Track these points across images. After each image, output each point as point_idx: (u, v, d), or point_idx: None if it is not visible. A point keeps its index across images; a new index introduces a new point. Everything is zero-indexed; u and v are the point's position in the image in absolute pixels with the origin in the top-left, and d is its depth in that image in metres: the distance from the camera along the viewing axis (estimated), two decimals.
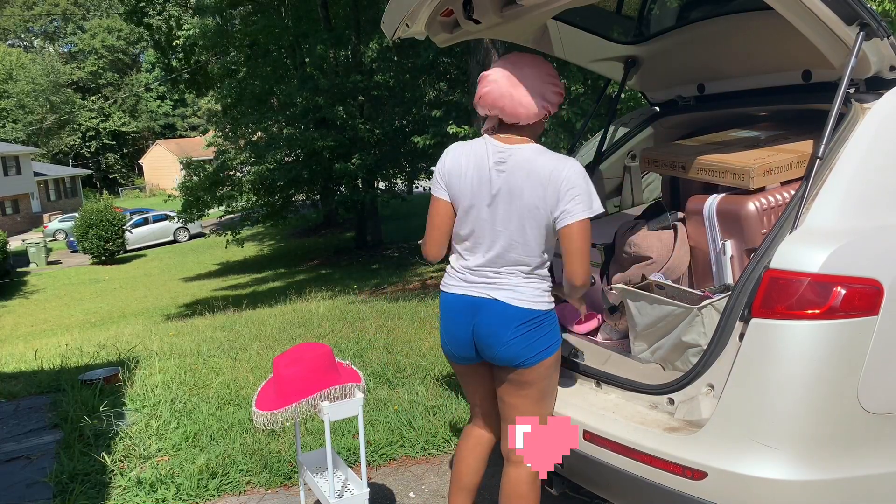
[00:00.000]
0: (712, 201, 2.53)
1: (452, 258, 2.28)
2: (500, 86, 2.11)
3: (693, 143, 2.80)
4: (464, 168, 2.16)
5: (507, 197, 2.10)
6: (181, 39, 19.25)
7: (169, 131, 59.49)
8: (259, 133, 18.63)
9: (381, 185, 19.85)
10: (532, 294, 2.14)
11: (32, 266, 27.26)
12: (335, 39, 17.31)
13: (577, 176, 2.05)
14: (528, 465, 2.22)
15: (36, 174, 42.47)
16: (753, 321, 1.89)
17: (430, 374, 4.32)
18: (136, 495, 3.07)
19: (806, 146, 2.45)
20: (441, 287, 2.30)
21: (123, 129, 56.61)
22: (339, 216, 25.03)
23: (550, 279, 2.23)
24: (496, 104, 2.12)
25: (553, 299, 2.21)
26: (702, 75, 2.98)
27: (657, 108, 3.33)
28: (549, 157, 2.09)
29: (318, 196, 20.35)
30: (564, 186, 2.03)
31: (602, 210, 2.09)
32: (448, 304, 2.24)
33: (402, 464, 3.31)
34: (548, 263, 2.20)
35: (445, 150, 2.26)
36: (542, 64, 2.17)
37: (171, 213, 24.57)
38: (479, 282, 2.17)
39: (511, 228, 2.11)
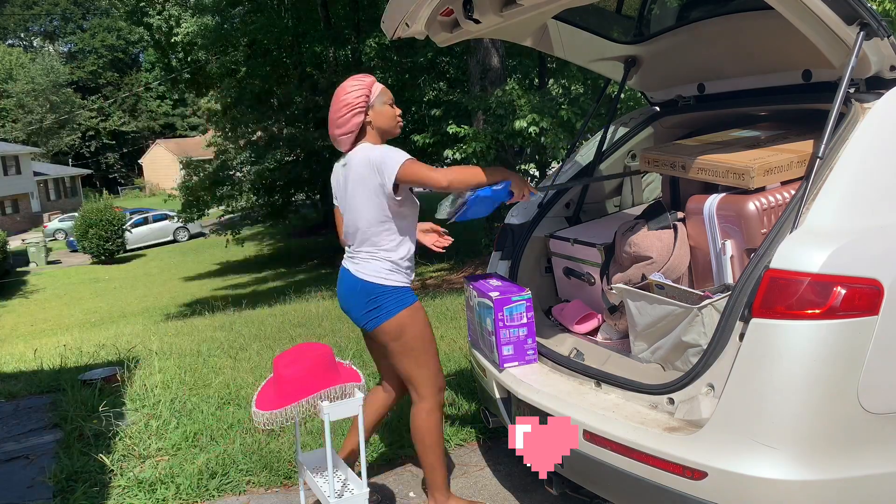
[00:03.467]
0: (712, 201, 2.53)
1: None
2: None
3: (693, 142, 2.80)
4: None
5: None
6: (179, 37, 19.24)
7: (169, 131, 59.47)
8: (259, 133, 18.62)
9: None
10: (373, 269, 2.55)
11: (32, 266, 27.26)
12: (333, 38, 17.31)
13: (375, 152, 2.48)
14: (420, 403, 2.63)
15: (36, 174, 42.47)
16: (753, 321, 1.89)
17: None
18: (136, 495, 3.07)
19: (806, 146, 2.45)
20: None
21: (123, 128, 56.58)
22: None
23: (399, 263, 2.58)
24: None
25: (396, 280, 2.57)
26: (702, 75, 2.98)
27: (657, 108, 3.33)
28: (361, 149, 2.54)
29: (318, 196, 20.35)
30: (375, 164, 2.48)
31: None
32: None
33: (402, 464, 3.31)
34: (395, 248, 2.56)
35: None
36: (338, 92, 2.56)
37: (171, 213, 24.57)
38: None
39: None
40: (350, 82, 2.56)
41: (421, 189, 2.56)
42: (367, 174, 2.46)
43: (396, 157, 2.43)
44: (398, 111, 2.63)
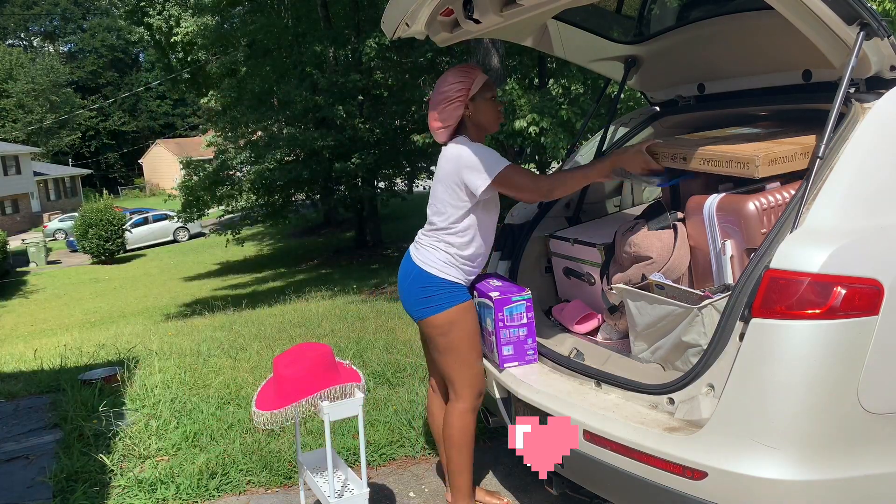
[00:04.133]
0: (712, 201, 2.53)
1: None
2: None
3: (693, 137, 2.79)
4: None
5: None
6: (179, 37, 19.24)
7: (169, 131, 59.47)
8: (259, 133, 18.62)
9: (381, 184, 19.84)
10: (430, 257, 2.55)
11: (32, 266, 27.26)
12: (333, 38, 17.31)
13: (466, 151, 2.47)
14: (456, 403, 2.61)
15: (36, 174, 42.48)
16: (753, 321, 1.89)
17: None
18: (136, 495, 3.07)
19: (810, 139, 2.44)
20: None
21: (123, 128, 56.60)
22: (339, 216, 25.03)
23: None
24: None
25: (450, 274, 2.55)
26: (702, 75, 2.98)
27: (657, 108, 3.32)
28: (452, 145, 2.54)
29: (318, 196, 20.35)
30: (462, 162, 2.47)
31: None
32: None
33: (402, 464, 3.31)
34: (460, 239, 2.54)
35: None
36: (439, 82, 2.54)
37: (171, 213, 24.58)
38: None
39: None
40: (453, 73, 2.52)
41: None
42: (453, 171, 2.45)
43: (495, 163, 2.40)
44: (500, 106, 2.60)
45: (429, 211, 2.60)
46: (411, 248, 2.63)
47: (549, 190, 2.45)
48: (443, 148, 2.58)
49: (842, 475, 1.84)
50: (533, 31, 2.96)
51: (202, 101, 21.15)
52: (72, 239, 29.13)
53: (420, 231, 2.64)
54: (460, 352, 2.56)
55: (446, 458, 2.66)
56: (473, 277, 2.66)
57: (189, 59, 21.69)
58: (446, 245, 2.53)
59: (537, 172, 2.62)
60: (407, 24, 2.60)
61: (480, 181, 2.41)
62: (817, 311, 1.81)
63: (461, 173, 2.44)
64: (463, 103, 2.49)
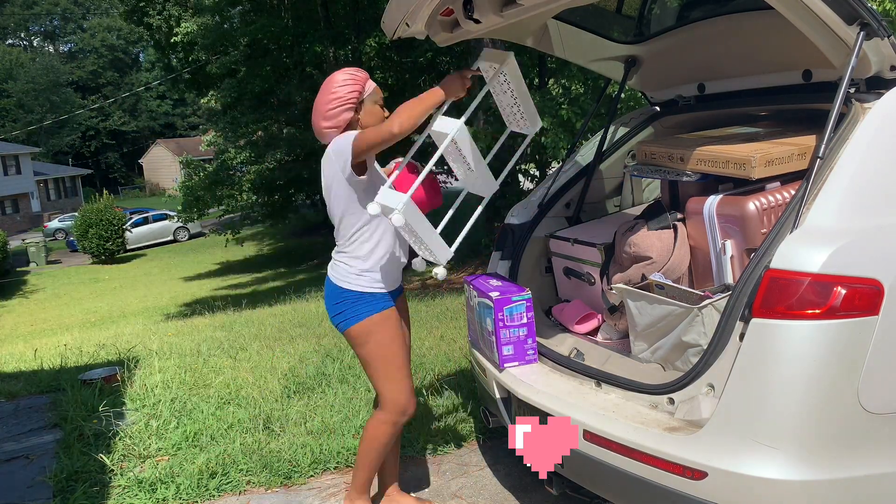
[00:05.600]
0: (712, 201, 2.53)
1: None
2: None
3: (692, 137, 2.80)
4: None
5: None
6: (179, 37, 19.23)
7: (169, 131, 59.48)
8: (259, 133, 18.62)
9: None
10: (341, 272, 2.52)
11: (32, 265, 27.27)
12: (333, 38, 17.30)
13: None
14: (378, 411, 2.57)
15: (36, 174, 42.49)
16: (754, 321, 1.89)
17: (430, 374, 4.32)
18: (136, 495, 3.06)
19: (807, 140, 2.45)
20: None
21: (123, 128, 56.61)
22: None
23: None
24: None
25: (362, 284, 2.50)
26: (702, 75, 2.98)
27: (657, 108, 3.33)
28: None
29: (318, 196, 20.34)
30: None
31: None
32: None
33: (402, 464, 3.31)
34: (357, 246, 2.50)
35: None
36: (328, 83, 2.49)
37: (171, 213, 24.58)
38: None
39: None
40: (342, 75, 2.48)
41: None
42: (330, 165, 2.42)
43: (347, 136, 2.38)
44: (386, 112, 2.53)
45: (334, 227, 2.55)
46: (328, 266, 2.61)
47: (398, 126, 2.27)
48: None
49: (842, 475, 1.84)
50: (533, 31, 2.96)
51: (202, 101, 21.15)
52: (72, 239, 29.14)
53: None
54: (378, 365, 2.51)
55: (358, 454, 2.63)
56: (395, 279, 2.59)
57: (189, 59, 21.67)
58: (352, 258, 2.49)
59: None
60: (407, 24, 2.59)
61: (345, 157, 2.35)
62: (817, 311, 1.81)
63: (337, 161, 2.39)
64: (354, 106, 2.46)
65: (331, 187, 2.47)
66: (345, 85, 2.45)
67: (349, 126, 2.49)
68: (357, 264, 2.50)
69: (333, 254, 2.58)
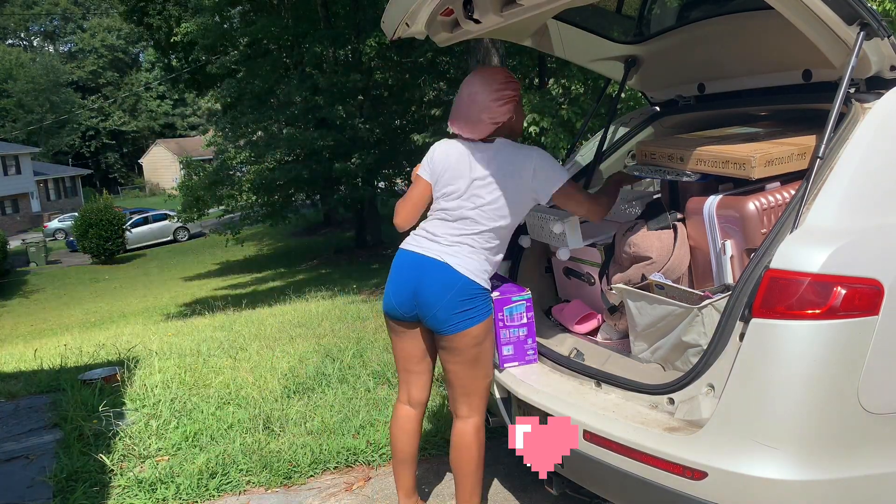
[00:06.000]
0: (712, 201, 2.53)
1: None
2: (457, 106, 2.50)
3: (692, 137, 2.79)
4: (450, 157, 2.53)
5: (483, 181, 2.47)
6: (179, 37, 19.25)
7: (169, 131, 59.49)
8: (259, 133, 18.64)
9: (381, 184, 19.84)
10: (475, 266, 2.43)
11: (32, 265, 27.27)
12: (333, 38, 17.31)
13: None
14: (471, 418, 2.49)
15: (36, 174, 42.49)
16: (753, 321, 1.88)
17: None
18: (136, 495, 3.07)
19: (807, 140, 2.44)
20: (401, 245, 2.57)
21: (123, 128, 56.64)
22: (339, 216, 25.02)
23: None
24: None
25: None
26: (702, 75, 2.98)
27: (657, 108, 3.32)
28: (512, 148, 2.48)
29: (318, 196, 20.36)
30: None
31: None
32: (400, 260, 2.52)
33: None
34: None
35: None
36: (489, 78, 2.48)
37: (171, 213, 24.58)
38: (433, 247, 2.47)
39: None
40: (503, 73, 2.49)
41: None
42: (517, 171, 2.39)
43: (560, 172, 2.42)
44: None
45: (452, 214, 2.45)
46: (435, 252, 2.42)
47: (602, 210, 2.53)
48: (477, 143, 2.48)
49: (842, 475, 1.84)
50: (533, 31, 2.96)
51: (202, 101, 21.16)
52: (72, 239, 29.15)
53: (431, 235, 2.47)
54: (487, 362, 2.49)
55: (463, 480, 2.48)
56: None
57: (189, 59, 21.69)
58: (488, 252, 2.46)
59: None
60: (407, 24, 2.59)
61: (551, 189, 2.40)
62: (817, 311, 1.80)
63: (532, 177, 2.39)
64: (515, 105, 2.47)
65: (507, 187, 2.42)
66: (510, 83, 2.47)
67: (503, 124, 2.48)
68: (491, 266, 2.49)
69: (457, 237, 2.43)
